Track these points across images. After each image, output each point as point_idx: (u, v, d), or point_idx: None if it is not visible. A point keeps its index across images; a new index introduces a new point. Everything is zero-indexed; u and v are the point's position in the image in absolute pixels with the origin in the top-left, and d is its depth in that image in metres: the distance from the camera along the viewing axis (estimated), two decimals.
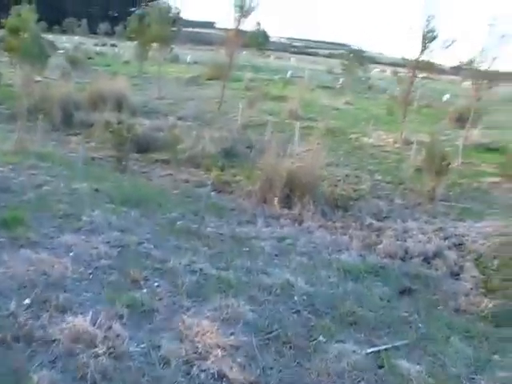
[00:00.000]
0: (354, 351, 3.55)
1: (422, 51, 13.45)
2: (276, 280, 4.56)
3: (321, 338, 3.67)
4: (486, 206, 8.86)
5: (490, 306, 4.96)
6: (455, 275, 6.03)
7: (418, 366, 3.56)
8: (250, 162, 9.36)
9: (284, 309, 4.04)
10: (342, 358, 3.42)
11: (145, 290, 3.68)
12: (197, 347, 3.01)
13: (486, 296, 5.12)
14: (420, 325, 4.38)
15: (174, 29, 20.46)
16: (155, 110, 13.45)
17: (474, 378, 3.64)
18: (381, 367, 3.48)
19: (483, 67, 12.62)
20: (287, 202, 7.91)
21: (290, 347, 3.43)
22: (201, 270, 4.32)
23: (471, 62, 12.88)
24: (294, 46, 56.86)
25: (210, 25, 59.03)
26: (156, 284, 3.83)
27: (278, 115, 15.41)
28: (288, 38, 60.91)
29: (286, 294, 4.35)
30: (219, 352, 2.98)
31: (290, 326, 3.72)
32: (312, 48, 57.90)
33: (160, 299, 3.59)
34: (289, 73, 29.19)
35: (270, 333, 3.54)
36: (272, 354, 3.28)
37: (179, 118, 12.68)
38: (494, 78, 12.95)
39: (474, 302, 5.08)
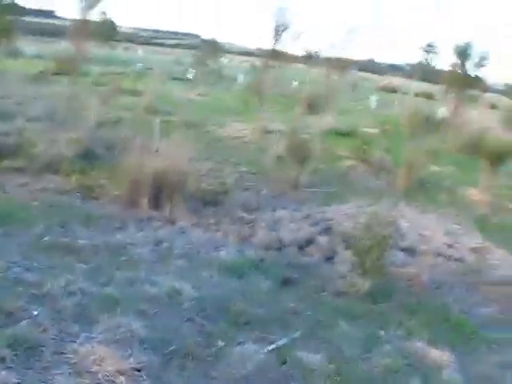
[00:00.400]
0: (255, 351, 3.54)
1: (275, 41, 13.86)
2: (161, 288, 4.38)
3: (220, 343, 3.61)
4: (347, 189, 9.38)
5: (366, 285, 5.25)
6: (330, 259, 6.30)
7: (317, 355, 3.66)
8: (112, 163, 8.91)
9: (176, 318, 3.90)
10: (245, 360, 3.40)
11: (24, 323, 3.30)
12: (97, 378, 2.78)
13: (361, 276, 5.39)
14: (309, 313, 4.52)
15: (10, 18, 18.52)
16: None
17: (367, 356, 3.84)
18: (284, 363, 3.52)
19: (333, 56, 13.33)
20: (157, 203, 7.66)
21: (192, 358, 3.32)
22: (81, 289, 4.00)
23: (320, 51, 13.55)
24: (141, 37, 55.29)
25: (49, 14, 54.84)
26: (35, 313, 3.46)
27: (134, 110, 14.91)
28: (135, 28, 58.96)
29: (174, 302, 4.21)
30: (122, 379, 2.78)
31: (187, 336, 3.60)
32: (159, 38, 56.76)
33: (44, 330, 3.24)
34: (139, 65, 28.46)
35: (169, 347, 3.40)
36: (176, 370, 3.15)
37: (28, 120, 11.67)
38: (343, 65, 13.73)
39: (351, 284, 5.33)
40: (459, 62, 18.50)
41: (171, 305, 4.13)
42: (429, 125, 11.76)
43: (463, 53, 18.35)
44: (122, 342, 3.25)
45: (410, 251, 6.66)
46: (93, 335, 3.29)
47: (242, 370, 3.30)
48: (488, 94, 24.89)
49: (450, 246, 7.05)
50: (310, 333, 4.08)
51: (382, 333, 4.32)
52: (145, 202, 7.55)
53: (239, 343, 3.64)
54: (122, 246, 5.60)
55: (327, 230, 7.19)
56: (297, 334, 3.98)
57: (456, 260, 6.66)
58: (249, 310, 4.27)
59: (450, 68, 19.15)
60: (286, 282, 5.30)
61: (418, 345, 4.12)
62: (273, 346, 3.69)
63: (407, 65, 44.88)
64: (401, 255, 6.46)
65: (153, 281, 4.56)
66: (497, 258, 6.94)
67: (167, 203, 7.61)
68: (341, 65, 13.75)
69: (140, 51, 43.20)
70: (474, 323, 4.91)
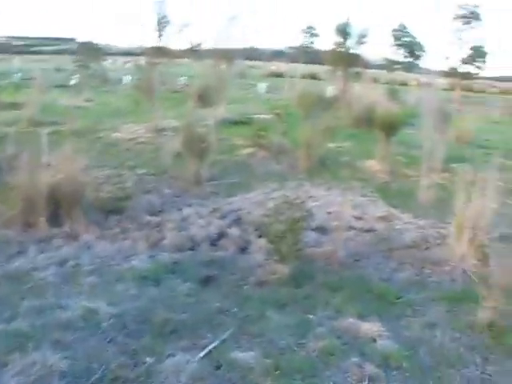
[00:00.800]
0: (187, 361, 3.35)
1: (158, 37, 13.50)
2: (75, 311, 4.06)
3: (148, 359, 3.38)
4: (250, 177, 9.31)
5: (286, 270, 5.20)
6: (245, 250, 6.18)
7: (252, 352, 3.53)
8: (0, 183, 8.21)
9: (96, 342, 3.61)
10: (178, 372, 3.20)
11: None
12: None
13: (279, 263, 5.33)
14: (235, 309, 4.38)
15: None
16: None
17: (302, 343, 3.77)
18: (219, 367, 3.36)
19: (218, 46, 13.23)
20: (56, 220, 7.14)
21: (122, 383, 3.07)
22: None
23: (204, 43, 13.41)
24: (15, 46, 51.77)
25: None
26: None
27: (17, 124, 13.90)
28: (7, 37, 54.98)
29: (91, 324, 3.90)
30: None
31: (112, 359, 3.33)
32: (35, 46, 53.49)
33: None
34: (16, 76, 26.76)
35: (93, 375, 3.11)
36: None
37: None
38: (228, 55, 13.67)
39: (271, 272, 5.26)
40: (341, 41, 19.14)
41: (89, 328, 3.82)
42: (320, 104, 12.02)
43: (343, 32, 18.98)
44: (39, 382, 2.93)
45: (322, 230, 6.70)
46: (4, 380, 2.93)
47: (177, 383, 3.09)
48: (370, 70, 26.03)
49: (359, 218, 7.20)
50: (240, 330, 3.94)
51: (312, 316, 4.28)
52: (42, 220, 7.01)
53: (169, 355, 3.43)
54: (24, 273, 5.13)
55: (237, 221, 7.08)
56: (227, 334, 3.83)
57: (367, 231, 6.80)
58: (173, 317, 4.06)
59: (333, 48, 19.75)
60: (206, 281, 5.12)
61: (349, 321, 4.13)
62: (205, 352, 3.52)
63: (290, 48, 46.11)
64: (313, 235, 6.48)
65: (64, 305, 4.21)
66: (403, 223, 7.18)
67: (67, 218, 7.12)
68: (226, 55, 13.66)
69: (16, 61, 40.51)
70: (395, 289, 5.02)
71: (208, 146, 9.71)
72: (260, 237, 6.16)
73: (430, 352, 3.85)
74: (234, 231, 6.70)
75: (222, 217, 7.33)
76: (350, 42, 19.19)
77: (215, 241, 6.50)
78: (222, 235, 6.63)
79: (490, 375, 3.67)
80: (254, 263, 5.57)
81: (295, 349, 3.68)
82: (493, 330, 4.16)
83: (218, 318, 4.20)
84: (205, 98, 14.76)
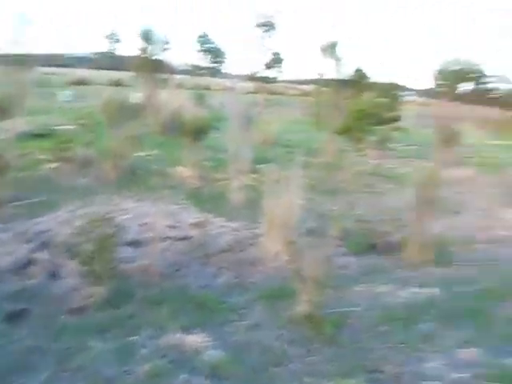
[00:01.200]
0: None
1: None
2: None
3: None
4: (56, 194, 8.65)
5: (103, 292, 4.93)
6: (56, 276, 5.72)
7: None
8: None
9: None
10: None
11: None
12: None
13: (94, 284, 5.03)
14: (51, 345, 3.99)
15: None
16: None
17: (128, 370, 3.59)
18: None
19: (12, 52, 12.01)
20: None
21: None
22: None
23: None
24: None
25: None
26: None
27: None
28: None
29: None
30: None
31: None
32: None
33: None
34: None
35: None
36: None
37: None
38: (26, 61, 12.52)
39: (86, 295, 4.95)
40: (145, 47, 18.99)
41: None
42: (126, 112, 11.66)
43: (147, 38, 18.84)
44: None
45: (137, 243, 6.48)
46: None
47: None
48: (176, 76, 26.16)
49: (173, 227, 7.12)
50: (59, 367, 3.61)
51: (135, 337, 4.10)
52: None
53: None
54: None
55: (45, 244, 6.51)
56: (45, 376, 3.47)
57: (182, 239, 6.75)
58: None
59: (138, 54, 19.49)
60: (14, 318, 4.58)
61: (173, 337, 4.04)
62: None
63: (94, 54, 44.53)
64: (128, 250, 6.23)
65: None
66: (217, 227, 7.28)
67: None
68: (23, 61, 12.50)
69: None
70: (215, 295, 5.07)
71: (6, 162, 8.84)
72: (71, 259, 5.74)
73: (257, 354, 3.94)
74: (43, 255, 6.15)
75: (28, 241, 6.68)
76: (153, 48, 19.11)
77: (21, 269, 5.89)
78: (29, 262, 6.04)
79: (315, 365, 3.86)
80: (68, 288, 5.18)
81: (121, 377, 3.48)
82: (311, 322, 4.41)
83: (33, 358, 3.79)
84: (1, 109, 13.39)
